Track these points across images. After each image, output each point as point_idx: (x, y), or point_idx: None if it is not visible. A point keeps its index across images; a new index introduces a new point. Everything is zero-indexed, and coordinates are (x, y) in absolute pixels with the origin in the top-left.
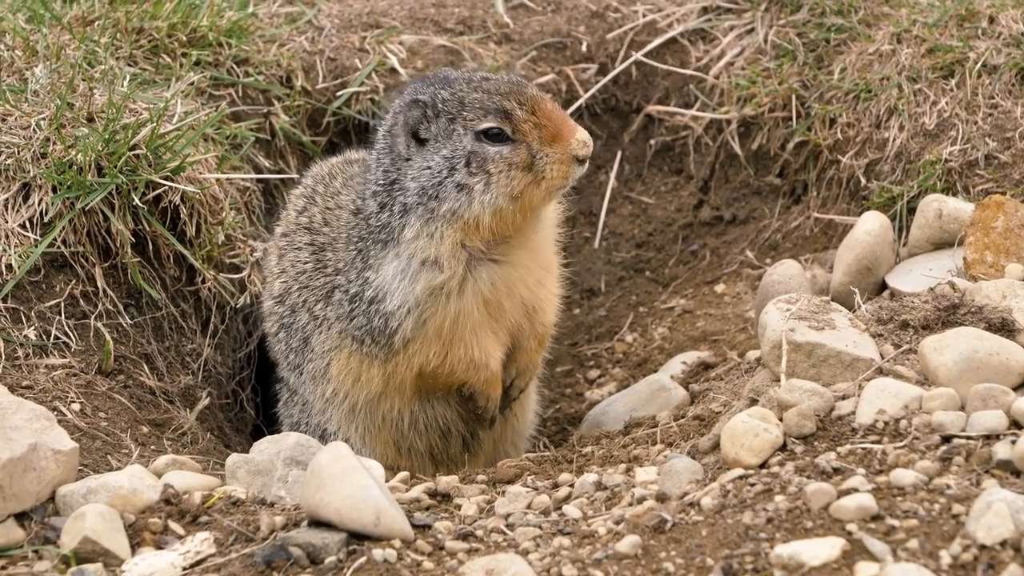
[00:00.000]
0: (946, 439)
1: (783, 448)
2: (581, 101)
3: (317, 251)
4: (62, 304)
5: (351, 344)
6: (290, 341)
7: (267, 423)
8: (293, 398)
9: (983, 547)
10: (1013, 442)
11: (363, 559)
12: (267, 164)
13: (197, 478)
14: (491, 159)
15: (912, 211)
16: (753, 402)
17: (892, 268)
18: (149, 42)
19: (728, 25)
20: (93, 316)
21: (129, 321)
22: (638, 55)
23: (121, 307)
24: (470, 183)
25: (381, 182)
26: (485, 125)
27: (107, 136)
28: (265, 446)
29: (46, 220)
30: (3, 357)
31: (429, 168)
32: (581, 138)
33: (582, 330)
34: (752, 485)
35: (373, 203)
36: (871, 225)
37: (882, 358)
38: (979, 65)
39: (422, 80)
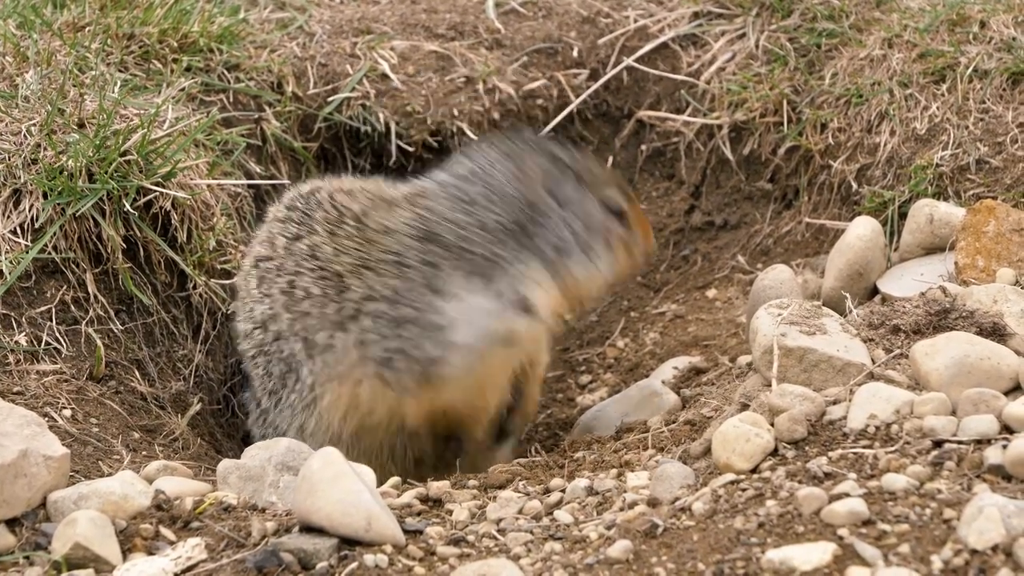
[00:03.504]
0: (937, 444)
1: (774, 453)
2: (572, 106)
3: (329, 278)
4: (53, 310)
5: (369, 371)
6: (269, 367)
7: None
8: (263, 418)
9: (974, 552)
10: (1004, 447)
11: (354, 564)
12: (258, 170)
13: (188, 484)
14: (614, 235)
15: (903, 216)
16: (744, 407)
17: (883, 273)
18: (140, 48)
19: (719, 30)
20: (84, 322)
21: (120, 327)
22: (629, 60)
23: (112, 313)
24: (596, 250)
25: (501, 221)
26: (613, 202)
27: (98, 142)
28: (256, 452)
29: (37, 226)
30: None
31: (564, 224)
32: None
33: (573, 335)
34: (743, 490)
35: (482, 234)
36: (862, 230)
37: (873, 363)
38: (970, 70)
39: (545, 137)
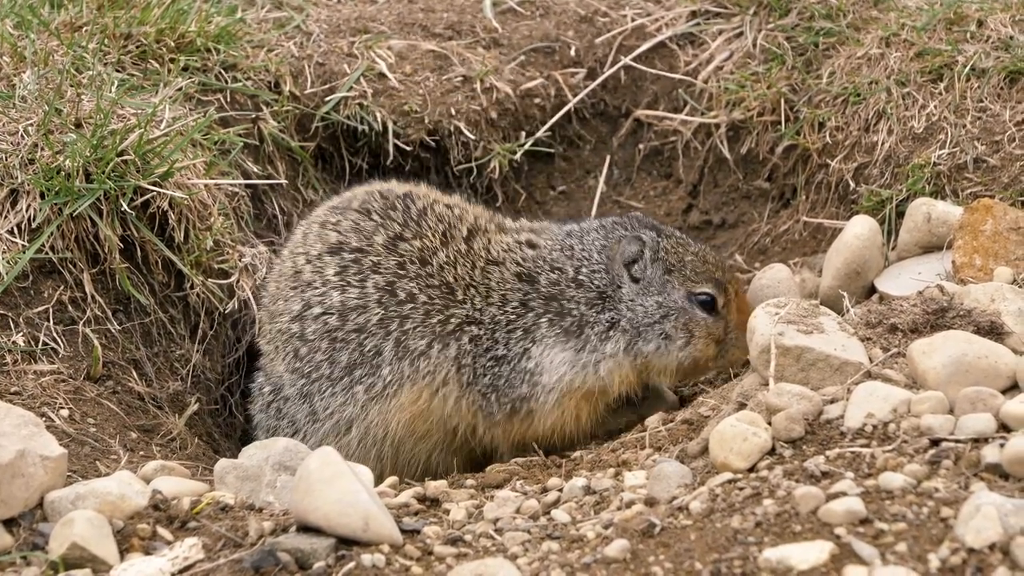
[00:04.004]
0: (935, 442)
1: (772, 452)
2: (570, 105)
3: (437, 288)
4: (50, 310)
5: (467, 396)
6: (335, 354)
7: None
8: (279, 406)
9: (971, 550)
10: (1002, 445)
11: (352, 564)
12: (255, 169)
13: (186, 484)
14: (698, 323)
15: (901, 215)
16: (742, 406)
17: (881, 272)
18: (137, 48)
19: (717, 29)
20: (81, 322)
21: (118, 327)
22: (627, 59)
23: (110, 313)
24: (674, 336)
25: (595, 284)
26: (701, 290)
27: (95, 142)
28: (254, 451)
29: (34, 226)
30: None
31: (644, 307)
32: None
33: None
34: (741, 489)
35: (576, 291)
36: (860, 229)
37: (871, 361)
38: (968, 69)
39: (634, 217)
